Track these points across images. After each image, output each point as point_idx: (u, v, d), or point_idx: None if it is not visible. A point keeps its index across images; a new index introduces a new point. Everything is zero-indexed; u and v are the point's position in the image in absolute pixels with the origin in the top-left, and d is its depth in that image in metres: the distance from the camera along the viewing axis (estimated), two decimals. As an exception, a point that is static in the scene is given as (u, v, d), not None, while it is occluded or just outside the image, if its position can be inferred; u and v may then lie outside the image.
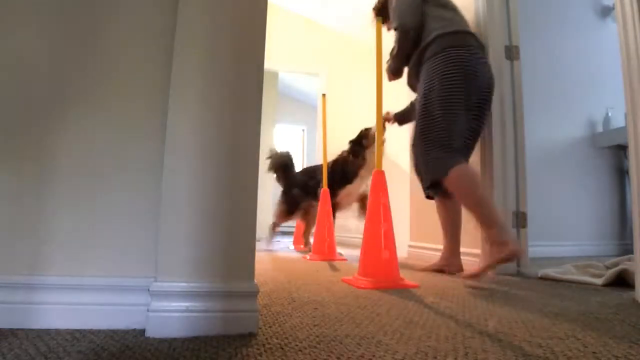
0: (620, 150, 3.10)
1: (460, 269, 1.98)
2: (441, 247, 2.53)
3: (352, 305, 1.23)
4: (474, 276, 1.59)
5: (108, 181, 1.00)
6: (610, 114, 3.10)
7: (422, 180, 1.91)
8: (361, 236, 1.74)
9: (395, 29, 1.96)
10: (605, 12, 3.28)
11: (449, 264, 2.00)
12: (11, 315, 0.91)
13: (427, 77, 1.83)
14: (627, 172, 3.00)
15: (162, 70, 1.02)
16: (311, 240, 3.07)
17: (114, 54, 1.04)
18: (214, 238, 0.95)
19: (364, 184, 3.02)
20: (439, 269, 2.02)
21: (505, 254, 1.52)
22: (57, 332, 0.88)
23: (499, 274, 1.94)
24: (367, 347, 0.82)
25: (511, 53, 2.14)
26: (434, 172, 1.75)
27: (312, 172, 3.31)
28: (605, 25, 3.25)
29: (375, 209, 1.68)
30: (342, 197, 3.06)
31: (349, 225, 4.16)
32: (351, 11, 4.58)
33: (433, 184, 1.81)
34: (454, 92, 1.75)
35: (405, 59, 1.99)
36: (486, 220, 1.59)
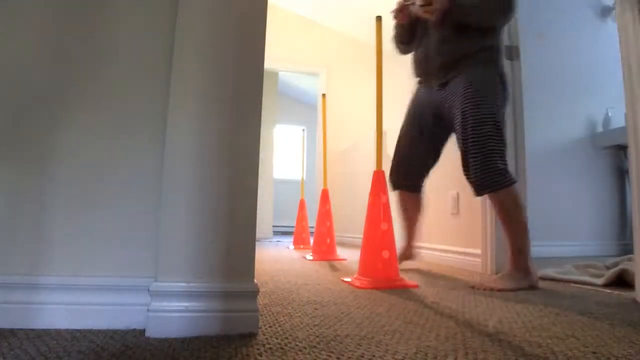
0: (620, 150, 3.09)
1: (410, 257, 2.16)
2: (441, 246, 2.53)
3: (352, 305, 1.23)
4: (487, 289, 1.58)
5: (108, 181, 1.00)
6: (610, 114, 3.10)
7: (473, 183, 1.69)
8: (361, 236, 1.74)
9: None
10: (605, 12, 3.28)
11: (404, 253, 2.14)
12: (11, 315, 0.91)
13: (485, 81, 1.70)
14: (627, 172, 3.00)
15: (162, 71, 1.02)
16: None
17: (114, 53, 1.03)
18: (214, 238, 0.95)
19: None
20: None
21: (528, 282, 1.58)
22: (57, 332, 0.88)
23: (499, 274, 1.94)
24: (367, 347, 0.82)
25: (511, 53, 2.13)
26: (494, 183, 1.61)
27: None
28: (605, 25, 3.25)
29: (375, 209, 1.68)
30: None
31: (349, 225, 4.16)
32: (351, 11, 4.58)
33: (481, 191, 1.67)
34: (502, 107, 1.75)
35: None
36: (521, 246, 1.62)
